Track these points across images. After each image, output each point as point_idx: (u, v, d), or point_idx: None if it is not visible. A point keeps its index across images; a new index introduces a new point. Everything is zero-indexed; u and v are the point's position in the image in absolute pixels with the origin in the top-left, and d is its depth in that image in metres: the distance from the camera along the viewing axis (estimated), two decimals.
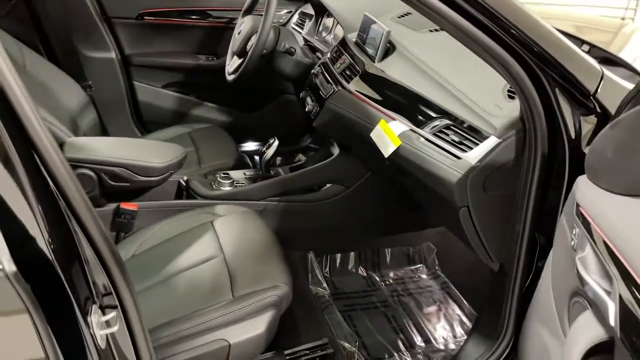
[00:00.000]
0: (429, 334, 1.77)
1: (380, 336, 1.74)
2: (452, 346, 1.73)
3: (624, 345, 0.72)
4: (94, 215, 0.92)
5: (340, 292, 1.93)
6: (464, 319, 1.84)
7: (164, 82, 2.55)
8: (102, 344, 0.95)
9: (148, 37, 2.47)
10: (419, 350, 1.70)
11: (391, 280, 2.01)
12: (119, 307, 1.00)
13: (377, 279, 2.01)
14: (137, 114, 2.53)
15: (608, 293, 0.77)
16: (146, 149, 1.80)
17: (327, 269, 2.01)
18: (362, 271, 2.03)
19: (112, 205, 1.74)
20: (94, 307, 0.93)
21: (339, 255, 2.03)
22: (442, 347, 1.72)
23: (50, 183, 0.87)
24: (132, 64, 2.47)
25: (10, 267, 0.74)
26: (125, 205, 1.74)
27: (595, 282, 0.80)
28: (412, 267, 2.08)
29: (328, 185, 2.00)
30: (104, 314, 0.96)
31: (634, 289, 0.71)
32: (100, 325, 0.94)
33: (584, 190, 0.90)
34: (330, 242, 2.05)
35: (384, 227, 2.09)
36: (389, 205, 2.05)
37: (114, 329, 0.96)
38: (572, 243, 0.90)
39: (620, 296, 0.73)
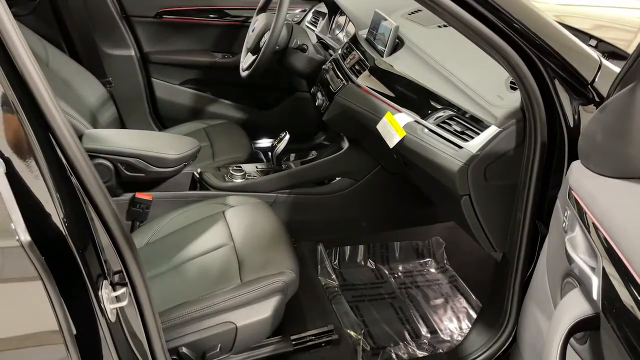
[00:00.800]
0: (435, 325, 1.80)
1: (386, 326, 1.76)
2: (457, 337, 1.74)
3: (605, 318, 0.75)
4: (106, 195, 0.97)
5: (348, 284, 1.96)
6: (471, 311, 1.86)
7: (181, 79, 2.62)
8: (112, 318, 1.01)
9: (166, 35, 2.54)
10: (425, 340, 1.72)
11: (399, 273, 2.04)
12: (128, 284, 1.06)
13: (386, 271, 2.04)
14: (154, 109, 2.60)
15: (593, 269, 0.79)
16: (161, 141, 1.86)
17: (337, 260, 2.05)
18: (370, 264, 2.06)
19: (128, 195, 1.81)
20: (105, 283, 0.98)
21: (348, 248, 2.06)
22: (447, 337, 1.74)
23: (66, 166, 0.93)
24: (150, 62, 2.54)
25: (25, 237, 0.79)
26: (140, 195, 1.80)
27: (581, 260, 0.82)
28: (421, 261, 2.10)
29: (338, 178, 2.04)
30: (114, 289, 1.01)
31: (616, 264, 0.73)
32: (110, 300, 0.99)
33: (576, 174, 0.93)
34: (340, 235, 2.08)
35: (393, 220, 2.11)
36: (398, 199, 2.08)
37: (123, 303, 1.01)
38: (564, 225, 0.92)
39: (603, 271, 0.75)
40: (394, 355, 1.64)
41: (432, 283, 1.99)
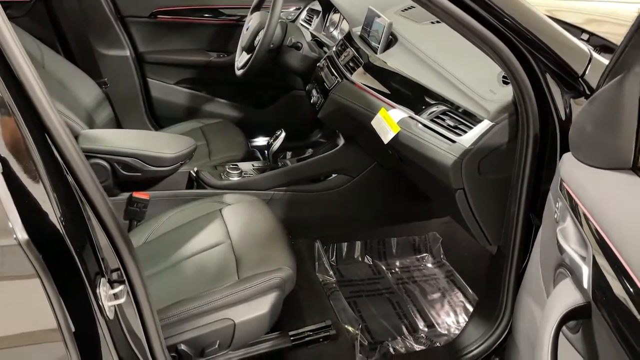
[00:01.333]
0: (432, 319, 1.81)
1: (384, 321, 1.78)
2: (455, 331, 1.76)
3: (596, 307, 0.76)
4: (103, 194, 0.98)
5: (346, 280, 1.97)
6: (468, 305, 1.87)
7: (177, 79, 2.62)
8: (110, 315, 1.01)
9: (161, 35, 2.55)
10: (422, 335, 1.74)
11: (397, 269, 2.05)
12: (126, 282, 1.06)
13: (383, 267, 2.05)
14: (150, 109, 2.61)
15: (583, 259, 0.80)
16: (157, 140, 1.87)
17: (334, 257, 2.06)
18: (368, 260, 2.08)
19: (125, 195, 1.82)
20: (103, 280, 0.99)
21: (345, 244, 2.07)
22: (444, 331, 1.76)
23: (63, 166, 0.94)
24: (145, 62, 2.55)
25: (22, 235, 0.80)
26: (137, 195, 1.81)
27: (573, 250, 0.84)
28: (418, 256, 2.11)
29: (334, 175, 2.05)
30: (112, 287, 1.02)
31: (606, 254, 0.75)
32: (108, 298, 1.00)
33: (568, 165, 0.94)
34: (337, 231, 2.09)
35: (390, 216, 2.12)
36: (394, 195, 2.09)
37: (121, 300, 1.02)
38: (556, 216, 0.93)
39: (594, 260, 0.77)
40: (391, 350, 1.65)
41: (429, 278, 2.00)
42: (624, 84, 0.80)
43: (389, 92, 1.60)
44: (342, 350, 1.54)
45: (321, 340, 1.54)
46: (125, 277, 1.07)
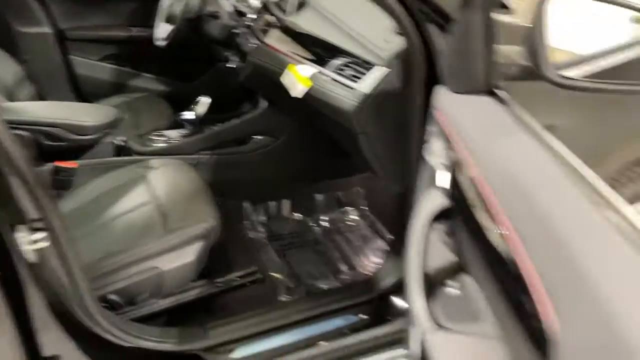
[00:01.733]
0: (354, 263, 1.95)
1: (310, 267, 1.90)
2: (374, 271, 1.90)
3: (455, 205, 0.90)
4: (15, 143, 1.03)
5: (275, 235, 2.08)
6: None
7: (100, 55, 2.61)
8: (32, 259, 1.08)
9: (81, 11, 2.53)
10: (345, 276, 1.87)
11: (323, 223, 2.17)
12: (48, 230, 1.12)
13: (311, 223, 2.17)
14: (75, 87, 2.59)
15: (445, 166, 0.94)
16: (79, 110, 1.90)
17: (263, 215, 2.15)
18: (296, 216, 2.19)
19: (50, 165, 1.84)
20: (21, 227, 1.05)
21: (273, 203, 2.17)
22: (366, 272, 1.90)
23: None
24: (67, 38, 2.52)
25: None
26: (61, 164, 1.83)
27: (439, 163, 0.97)
28: (342, 210, 2.24)
29: (258, 137, 2.14)
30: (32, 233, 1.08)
31: (461, 160, 0.88)
32: (28, 242, 1.06)
33: (438, 95, 1.07)
34: (265, 192, 2.18)
35: (315, 174, 2.23)
36: (318, 154, 2.19)
37: (42, 245, 1.08)
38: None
39: (452, 167, 0.90)
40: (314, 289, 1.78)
41: (353, 229, 2.14)
42: (471, 16, 0.93)
43: (300, 51, 1.71)
44: (269, 293, 1.65)
45: (248, 284, 1.64)
46: (45, 226, 1.12)
